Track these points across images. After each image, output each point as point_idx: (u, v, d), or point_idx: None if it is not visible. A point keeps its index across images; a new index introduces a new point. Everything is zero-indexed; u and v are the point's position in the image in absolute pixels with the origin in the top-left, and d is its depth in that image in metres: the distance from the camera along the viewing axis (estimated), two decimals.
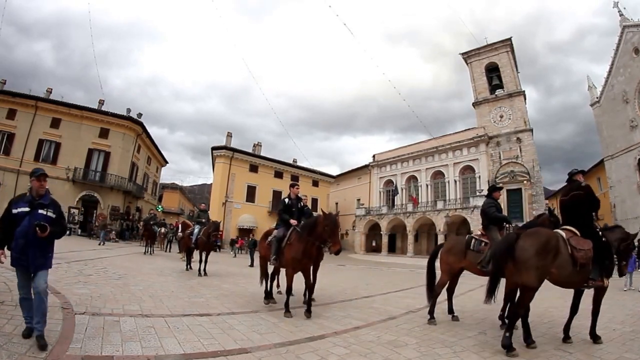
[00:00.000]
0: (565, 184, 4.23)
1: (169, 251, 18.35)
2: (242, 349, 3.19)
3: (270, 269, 5.85)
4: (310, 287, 4.95)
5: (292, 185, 5.69)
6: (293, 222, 5.03)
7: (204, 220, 9.59)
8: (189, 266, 9.83)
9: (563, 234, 3.62)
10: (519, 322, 3.58)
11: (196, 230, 9.40)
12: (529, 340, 3.58)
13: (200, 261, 8.96)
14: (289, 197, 5.48)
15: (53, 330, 3.16)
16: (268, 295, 5.63)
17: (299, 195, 5.67)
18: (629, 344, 3.85)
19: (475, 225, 24.70)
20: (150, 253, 14.57)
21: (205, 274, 8.77)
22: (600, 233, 3.68)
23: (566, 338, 3.83)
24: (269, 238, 5.41)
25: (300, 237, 4.71)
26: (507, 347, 3.33)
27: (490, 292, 3.74)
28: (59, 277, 6.04)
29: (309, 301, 4.87)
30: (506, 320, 4.29)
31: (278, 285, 6.42)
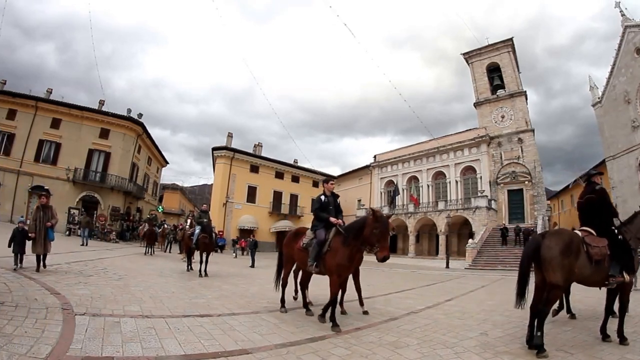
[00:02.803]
0: (585, 185, 4.32)
1: (169, 252, 18.37)
2: (242, 349, 3.18)
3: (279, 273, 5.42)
4: (333, 295, 4.28)
5: (326, 181, 5.05)
6: (335, 220, 4.48)
7: (205, 220, 9.62)
8: (189, 267, 9.85)
9: (580, 233, 3.73)
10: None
11: (197, 231, 9.41)
12: (531, 342, 3.56)
13: (201, 262, 8.97)
14: (324, 194, 4.89)
15: (53, 331, 3.16)
16: (306, 306, 5.05)
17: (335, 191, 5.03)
18: (630, 344, 3.82)
19: (477, 225, 24.69)
20: (151, 254, 14.58)
21: (206, 274, 8.76)
22: (615, 231, 3.78)
23: (605, 337, 3.87)
24: (305, 240, 4.73)
25: (345, 240, 4.21)
26: (538, 347, 3.33)
27: (520, 295, 3.69)
28: (59, 277, 6.05)
29: (330, 309, 4.29)
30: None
31: (296, 292, 6.00)
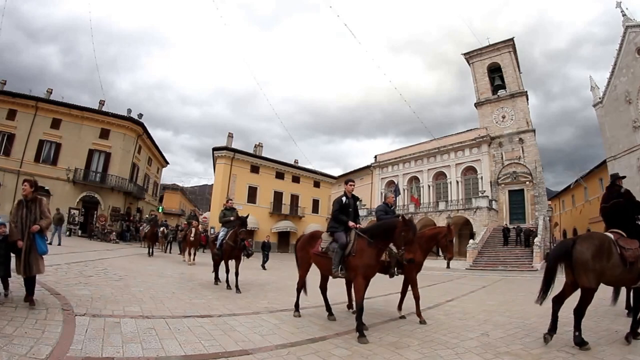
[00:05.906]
0: (607, 188, 4.50)
1: (170, 252, 18.36)
2: (243, 350, 3.18)
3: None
4: (360, 301, 3.99)
5: (347, 182, 4.87)
6: (352, 224, 4.40)
7: (232, 219, 7.74)
8: (217, 280, 7.74)
9: (611, 236, 3.80)
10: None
11: (221, 234, 7.58)
12: (552, 332, 3.75)
13: (229, 272, 7.22)
14: (345, 195, 4.71)
15: (53, 331, 3.15)
16: (330, 311, 4.94)
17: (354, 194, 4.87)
18: (632, 344, 3.81)
19: (477, 226, 24.65)
20: (151, 255, 14.54)
21: (238, 290, 6.76)
22: None
23: (635, 335, 3.94)
24: (323, 245, 4.55)
25: (370, 243, 4.11)
26: (580, 344, 3.54)
27: (544, 293, 3.86)
28: (59, 278, 6.04)
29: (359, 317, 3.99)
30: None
31: (350, 306, 5.63)
